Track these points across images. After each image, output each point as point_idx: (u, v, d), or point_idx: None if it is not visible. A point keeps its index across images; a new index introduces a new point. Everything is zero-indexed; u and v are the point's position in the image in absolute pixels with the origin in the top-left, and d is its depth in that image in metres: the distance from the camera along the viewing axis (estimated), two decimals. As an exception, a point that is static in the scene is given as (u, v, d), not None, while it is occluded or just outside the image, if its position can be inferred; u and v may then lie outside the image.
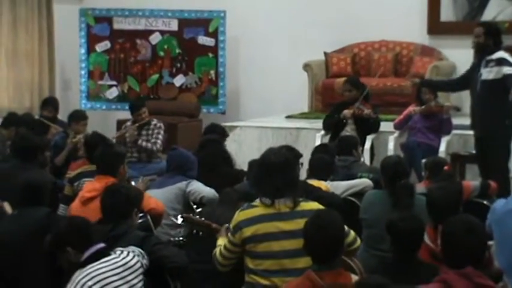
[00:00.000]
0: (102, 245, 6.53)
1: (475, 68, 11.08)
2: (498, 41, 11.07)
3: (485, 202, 9.21)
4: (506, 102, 10.82)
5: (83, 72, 15.80)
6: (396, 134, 12.58)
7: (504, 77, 10.69)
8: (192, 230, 8.43)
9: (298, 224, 6.56)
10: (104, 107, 15.43)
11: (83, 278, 6.24)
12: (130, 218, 7.31)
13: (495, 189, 9.91)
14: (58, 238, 6.61)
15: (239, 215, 7.06)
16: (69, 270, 6.42)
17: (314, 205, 7.13)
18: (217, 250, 7.23)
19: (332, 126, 12.29)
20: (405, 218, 6.97)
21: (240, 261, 7.09)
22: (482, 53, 11.00)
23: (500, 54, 10.83)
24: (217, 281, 7.70)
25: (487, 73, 10.78)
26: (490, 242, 7.54)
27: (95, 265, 6.32)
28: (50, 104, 13.55)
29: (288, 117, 14.77)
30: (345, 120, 12.18)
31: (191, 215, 8.66)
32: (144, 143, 12.38)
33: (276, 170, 7.12)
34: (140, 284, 6.43)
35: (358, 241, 7.23)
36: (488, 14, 14.65)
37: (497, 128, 10.87)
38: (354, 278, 6.11)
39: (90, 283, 6.21)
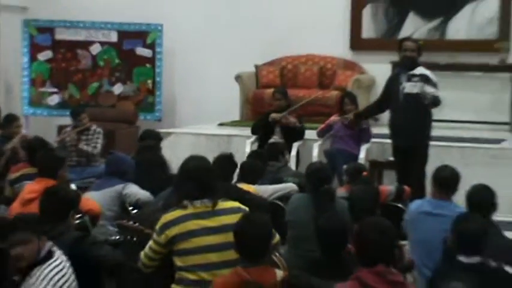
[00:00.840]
0: (50, 243, 6.42)
1: (393, 81, 11.14)
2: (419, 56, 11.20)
3: (399, 205, 9.37)
4: (427, 114, 10.99)
5: (25, 79, 15.66)
6: (320, 141, 12.55)
7: (429, 96, 10.70)
8: (126, 236, 8.55)
9: (220, 220, 6.73)
10: (45, 113, 15.24)
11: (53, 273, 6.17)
12: (67, 219, 7.23)
13: (409, 193, 10.01)
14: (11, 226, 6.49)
15: (163, 218, 7.10)
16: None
17: (233, 203, 7.24)
18: (142, 252, 7.27)
19: (260, 128, 12.35)
20: (331, 218, 7.10)
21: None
22: (408, 67, 11.06)
23: (422, 70, 10.93)
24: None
25: (411, 87, 10.81)
26: (403, 242, 7.79)
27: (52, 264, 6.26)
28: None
29: (220, 124, 14.71)
30: (272, 123, 12.20)
31: (125, 221, 8.83)
32: (84, 147, 12.26)
33: (191, 176, 7.28)
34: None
35: (278, 237, 7.23)
36: (405, 32, 14.62)
37: (420, 138, 10.95)
38: (279, 272, 6.19)
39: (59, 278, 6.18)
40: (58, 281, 6.17)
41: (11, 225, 6.48)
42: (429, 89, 10.72)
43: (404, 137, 11.02)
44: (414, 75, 10.84)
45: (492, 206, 7.83)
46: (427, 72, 10.95)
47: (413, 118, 10.91)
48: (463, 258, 6.42)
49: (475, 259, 6.43)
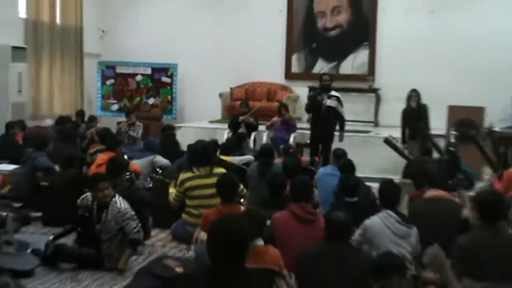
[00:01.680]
0: None
1: (314, 99, 10.86)
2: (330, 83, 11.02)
3: (312, 168, 9.43)
4: (336, 119, 10.86)
5: (99, 95, 15.46)
6: (267, 132, 12.48)
7: (341, 115, 10.83)
8: (155, 184, 8.71)
9: (213, 180, 6.85)
10: (110, 115, 15.05)
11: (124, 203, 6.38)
12: (121, 175, 7.37)
13: (318, 162, 10.21)
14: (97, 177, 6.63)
15: (181, 176, 7.39)
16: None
17: (222, 169, 7.48)
18: (170, 196, 7.48)
19: (232, 125, 12.16)
20: (274, 175, 7.14)
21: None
22: (326, 90, 10.90)
23: (335, 93, 10.84)
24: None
25: (331, 102, 10.64)
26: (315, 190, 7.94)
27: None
28: (81, 113, 13.23)
29: (210, 122, 14.47)
30: (239, 122, 12.04)
31: (154, 175, 8.92)
32: (132, 133, 12.21)
33: (198, 155, 7.56)
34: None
35: (245, 189, 7.52)
36: (316, 70, 14.59)
37: (332, 133, 10.89)
38: (242, 208, 6.37)
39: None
40: (124, 202, 6.37)
41: (99, 177, 6.56)
42: (341, 109, 10.79)
43: (321, 130, 10.90)
44: (332, 95, 10.76)
45: (353, 169, 7.92)
46: (339, 94, 10.89)
47: (329, 121, 10.83)
48: (347, 199, 6.60)
49: (354, 199, 6.62)
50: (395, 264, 4.27)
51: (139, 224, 6.43)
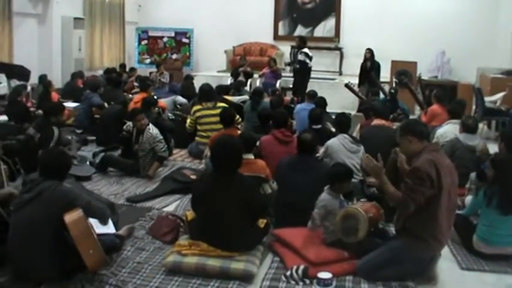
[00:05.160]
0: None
1: (295, 54, 11.05)
2: (304, 44, 11.10)
3: (292, 105, 9.38)
4: (307, 69, 10.88)
5: (136, 52, 15.27)
6: (259, 79, 12.33)
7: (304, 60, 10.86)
8: (176, 116, 8.64)
9: (217, 111, 6.85)
10: (144, 67, 14.69)
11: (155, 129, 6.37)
12: (152, 109, 7.34)
13: (297, 100, 10.17)
14: (135, 111, 6.63)
15: (193, 108, 7.38)
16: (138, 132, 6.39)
17: (223, 104, 7.46)
18: (187, 123, 7.43)
19: (234, 74, 11.95)
20: (262, 109, 7.30)
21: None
22: (298, 48, 11.00)
23: (305, 49, 10.83)
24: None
25: (300, 56, 10.80)
26: (292, 121, 7.97)
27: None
28: (123, 66, 13.30)
29: (218, 71, 14.29)
30: (238, 72, 11.93)
31: (176, 110, 8.88)
32: (161, 79, 11.98)
33: (205, 92, 7.51)
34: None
35: (240, 119, 7.53)
36: (296, 33, 14.27)
37: (304, 77, 10.87)
38: (239, 132, 6.29)
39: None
40: (154, 129, 6.37)
41: (136, 111, 6.56)
42: (307, 60, 10.81)
43: (296, 76, 11.08)
44: (302, 51, 10.82)
45: (326, 105, 8.01)
46: (307, 50, 10.88)
47: (300, 70, 10.87)
48: (313, 126, 6.64)
49: (318, 126, 6.67)
50: (346, 171, 4.35)
51: (166, 146, 6.50)
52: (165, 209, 5.23)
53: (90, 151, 7.37)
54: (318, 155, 5.42)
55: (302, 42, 11.09)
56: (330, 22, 14.60)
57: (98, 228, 3.82)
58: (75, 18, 12.86)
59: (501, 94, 9.81)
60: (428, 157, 3.52)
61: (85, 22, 13.37)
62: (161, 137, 6.41)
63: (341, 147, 5.43)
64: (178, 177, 5.98)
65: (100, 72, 13.05)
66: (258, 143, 5.56)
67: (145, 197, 5.59)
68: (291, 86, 11.78)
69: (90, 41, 13.62)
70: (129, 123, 6.63)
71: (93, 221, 3.72)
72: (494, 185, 4.25)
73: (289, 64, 11.56)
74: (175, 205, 5.38)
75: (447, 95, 9.86)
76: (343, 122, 5.82)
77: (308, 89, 9.64)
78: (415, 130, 3.68)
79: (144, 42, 15.39)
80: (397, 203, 3.61)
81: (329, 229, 4.04)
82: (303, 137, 4.73)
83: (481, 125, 8.92)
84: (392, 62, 12.01)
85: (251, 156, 4.89)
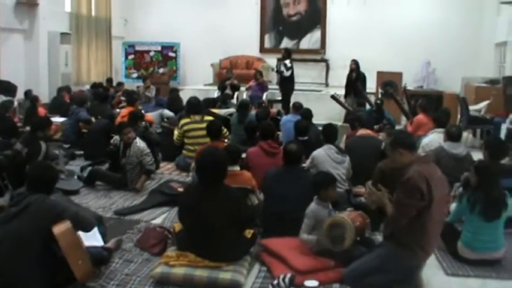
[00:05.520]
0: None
1: (278, 65, 11.18)
2: (289, 55, 11.22)
3: (278, 117, 9.35)
4: (290, 81, 11.06)
5: (123, 66, 15.32)
6: (246, 92, 12.32)
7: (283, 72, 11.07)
8: (163, 130, 8.61)
9: (204, 124, 6.79)
10: (131, 81, 14.72)
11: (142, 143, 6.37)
12: (139, 123, 7.33)
13: (283, 112, 10.15)
14: (122, 124, 6.66)
15: (181, 121, 7.36)
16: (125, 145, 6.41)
17: (210, 117, 7.45)
18: (174, 136, 7.43)
19: (221, 88, 11.86)
20: (249, 123, 7.25)
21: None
22: (283, 59, 11.09)
23: (286, 61, 10.94)
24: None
25: (282, 68, 11.00)
26: (279, 132, 8.00)
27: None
28: (110, 80, 13.36)
29: (204, 84, 14.36)
30: (225, 85, 11.97)
31: (163, 123, 8.91)
32: (147, 94, 12.03)
33: (193, 106, 7.50)
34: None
35: (227, 132, 7.54)
36: (282, 45, 14.40)
37: (288, 89, 11.08)
38: (225, 144, 6.20)
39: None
40: (142, 142, 6.38)
41: (123, 125, 6.57)
42: (285, 71, 11.01)
43: (280, 87, 11.27)
44: (284, 64, 10.98)
45: (311, 116, 7.93)
46: (287, 61, 10.98)
47: (283, 81, 11.08)
48: (299, 138, 6.59)
49: (305, 138, 6.62)
50: (327, 177, 4.42)
51: (153, 159, 6.53)
52: (153, 222, 5.26)
53: (78, 165, 7.36)
54: (304, 165, 5.50)
55: (286, 53, 11.24)
56: (316, 34, 14.73)
57: (86, 240, 3.83)
58: (61, 34, 12.94)
59: (485, 103, 9.94)
60: (419, 169, 3.53)
61: (71, 37, 13.42)
62: (148, 150, 6.43)
63: (327, 158, 5.48)
64: (165, 190, 6.01)
65: (87, 87, 13.06)
66: (244, 155, 5.63)
67: (133, 210, 5.62)
68: (279, 98, 11.84)
69: (76, 56, 13.66)
70: (116, 137, 6.67)
71: (81, 234, 3.73)
72: (478, 191, 4.30)
73: (277, 71, 11.66)
74: (163, 217, 5.41)
75: (433, 104, 9.95)
76: (330, 133, 5.86)
77: (293, 101, 9.66)
78: (406, 143, 3.71)
79: (131, 56, 15.44)
80: (389, 218, 3.63)
81: (317, 239, 4.08)
82: (288, 148, 4.76)
83: (465, 134, 9.05)
84: (378, 72, 12.14)
85: (237, 168, 4.93)
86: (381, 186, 3.72)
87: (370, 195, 3.72)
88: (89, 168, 6.94)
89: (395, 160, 3.73)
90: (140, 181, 6.35)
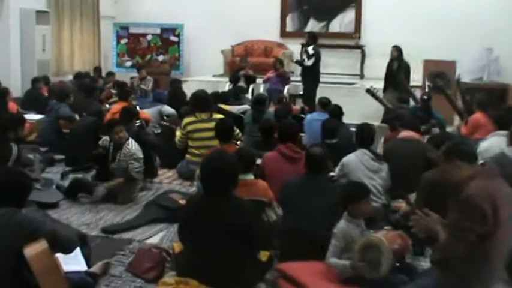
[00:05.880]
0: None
1: (301, 53, 11.17)
2: (314, 41, 11.27)
3: (302, 116, 9.32)
4: (315, 70, 11.15)
5: (114, 53, 15.47)
6: (264, 84, 12.40)
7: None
8: (162, 129, 8.77)
9: (212, 124, 6.82)
10: (124, 70, 14.92)
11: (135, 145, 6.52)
12: (132, 122, 7.30)
13: (308, 109, 10.14)
14: (112, 122, 6.76)
15: (185, 120, 7.42)
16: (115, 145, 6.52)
17: (219, 115, 7.49)
18: (176, 138, 7.53)
19: (233, 80, 12.18)
20: (265, 121, 7.22)
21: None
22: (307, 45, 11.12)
23: (310, 49, 11.00)
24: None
25: (304, 55, 11.12)
26: (302, 134, 8.04)
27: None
28: (98, 69, 13.44)
29: (213, 76, 14.54)
30: (238, 76, 12.19)
31: (162, 122, 9.06)
32: (143, 86, 12.18)
33: (199, 101, 7.57)
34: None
35: (240, 133, 7.60)
36: (308, 28, 14.41)
37: (307, 81, 11.19)
38: (237, 147, 6.35)
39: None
40: (135, 144, 6.48)
41: (114, 122, 6.69)
42: (307, 61, 11.10)
43: (303, 79, 11.35)
44: (306, 51, 11.04)
45: (341, 114, 7.99)
46: (310, 48, 11.03)
47: (305, 71, 11.20)
48: (327, 141, 6.71)
49: (333, 141, 6.74)
50: (360, 188, 4.39)
51: (142, 167, 6.59)
52: (148, 241, 5.31)
53: (58, 172, 7.45)
54: (332, 174, 5.53)
55: (310, 38, 11.29)
56: (349, 15, 14.78)
57: (66, 264, 3.86)
58: (37, 12, 12.88)
59: None
60: (482, 186, 3.40)
61: (50, 16, 13.41)
62: (141, 156, 6.53)
63: (359, 165, 5.53)
64: (164, 202, 6.07)
65: (69, 77, 13.22)
66: (260, 161, 5.67)
67: (124, 227, 5.68)
68: (301, 92, 11.94)
69: (57, 40, 13.78)
70: (105, 138, 6.73)
71: (59, 256, 3.75)
72: None
73: (297, 62, 11.73)
74: (161, 236, 5.47)
75: (494, 101, 9.89)
76: (364, 135, 5.90)
77: (320, 96, 9.70)
78: (464, 152, 3.61)
79: (124, 41, 15.58)
80: (440, 248, 3.52)
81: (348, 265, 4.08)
82: (311, 152, 4.81)
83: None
84: (425, 61, 12.14)
85: (251, 177, 4.95)
86: (428, 210, 3.62)
87: (416, 221, 3.60)
88: (71, 176, 7.01)
89: (450, 173, 3.64)
90: (114, 182, 6.48)
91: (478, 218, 3.32)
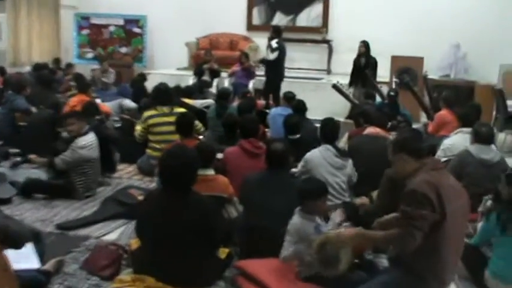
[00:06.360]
0: (87, 126, 6.55)
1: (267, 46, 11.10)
2: (278, 35, 11.19)
3: (266, 111, 9.40)
4: (277, 66, 11.01)
5: (75, 44, 15.35)
6: (229, 78, 12.43)
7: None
8: (122, 123, 8.73)
9: (173, 118, 6.80)
10: (85, 62, 14.76)
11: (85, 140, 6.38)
12: (93, 116, 7.28)
13: (272, 105, 10.26)
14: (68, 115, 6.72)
15: (145, 114, 7.41)
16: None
17: (181, 109, 7.50)
18: (136, 132, 7.49)
19: (198, 74, 12.18)
20: (228, 116, 7.22)
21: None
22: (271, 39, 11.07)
23: (273, 43, 10.87)
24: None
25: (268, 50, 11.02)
26: (267, 129, 8.07)
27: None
28: (57, 61, 13.28)
29: (177, 69, 14.54)
30: (203, 69, 12.19)
31: (122, 115, 9.04)
32: (104, 79, 12.06)
33: (160, 94, 7.60)
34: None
35: (202, 128, 7.66)
36: (274, 22, 14.45)
37: (272, 78, 11.04)
38: (197, 142, 6.16)
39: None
40: (88, 142, 6.39)
41: (67, 115, 6.68)
42: (270, 54, 10.91)
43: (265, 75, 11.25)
44: (269, 45, 10.91)
45: (305, 109, 8.02)
46: (274, 42, 10.88)
47: (268, 65, 11.06)
48: (290, 136, 6.73)
49: (296, 136, 6.75)
50: (318, 186, 4.35)
51: (71, 162, 6.41)
52: (106, 238, 5.29)
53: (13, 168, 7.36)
54: (294, 170, 5.55)
55: (274, 32, 11.22)
56: (317, 8, 14.82)
57: (17, 262, 3.81)
58: (-8, -2, 12.84)
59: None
60: (425, 177, 3.48)
61: (6, 3, 13.37)
62: (83, 143, 6.38)
63: (322, 162, 5.54)
64: (123, 198, 6.05)
65: (27, 68, 13.04)
66: (221, 156, 5.69)
67: (81, 223, 5.64)
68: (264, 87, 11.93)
69: (13, 29, 13.67)
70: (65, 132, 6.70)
71: (10, 253, 3.67)
72: (511, 206, 4.23)
73: (261, 61, 11.69)
74: (119, 232, 5.46)
75: (461, 98, 9.99)
76: (328, 130, 5.92)
77: (285, 90, 9.72)
78: (412, 147, 3.65)
79: (85, 31, 15.47)
80: (396, 241, 3.51)
81: (305, 261, 4.10)
82: (272, 148, 4.81)
83: (502, 135, 9.17)
84: (393, 57, 12.23)
85: (211, 172, 4.97)
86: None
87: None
88: (23, 171, 6.91)
89: (398, 168, 3.71)
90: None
91: (429, 206, 3.36)
